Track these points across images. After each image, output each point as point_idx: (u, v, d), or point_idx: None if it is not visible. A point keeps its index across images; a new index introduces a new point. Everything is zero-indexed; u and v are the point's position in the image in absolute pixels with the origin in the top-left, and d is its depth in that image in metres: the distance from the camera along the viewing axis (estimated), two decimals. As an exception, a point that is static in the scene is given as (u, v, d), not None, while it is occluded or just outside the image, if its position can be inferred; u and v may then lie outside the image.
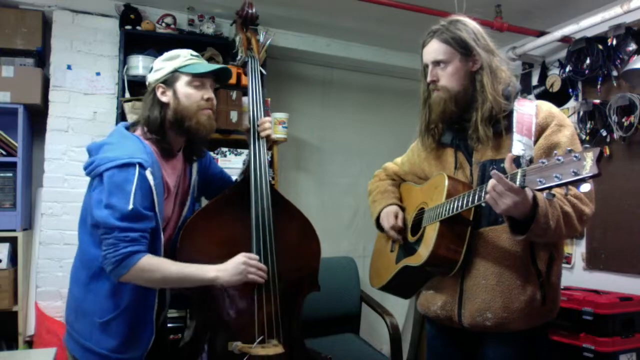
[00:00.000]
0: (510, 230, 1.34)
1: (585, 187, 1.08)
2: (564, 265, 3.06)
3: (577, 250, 3.08)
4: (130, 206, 1.36)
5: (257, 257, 1.56)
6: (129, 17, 2.97)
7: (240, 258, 1.52)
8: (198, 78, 1.55)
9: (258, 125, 1.75)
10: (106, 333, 1.44)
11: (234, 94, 3.07)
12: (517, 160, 1.30)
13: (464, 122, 1.53)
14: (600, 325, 2.42)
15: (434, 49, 1.51)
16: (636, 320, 2.49)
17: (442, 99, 1.51)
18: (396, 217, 1.69)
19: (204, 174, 1.78)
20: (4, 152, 2.75)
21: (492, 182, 1.25)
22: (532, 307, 1.43)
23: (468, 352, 1.59)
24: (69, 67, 2.96)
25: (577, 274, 3.06)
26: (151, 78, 1.58)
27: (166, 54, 1.59)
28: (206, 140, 1.62)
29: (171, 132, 1.55)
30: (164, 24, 3.06)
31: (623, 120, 2.75)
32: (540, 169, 1.14)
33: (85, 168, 1.49)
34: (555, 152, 1.12)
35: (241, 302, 1.60)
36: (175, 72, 1.55)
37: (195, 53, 1.61)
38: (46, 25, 2.96)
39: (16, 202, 2.73)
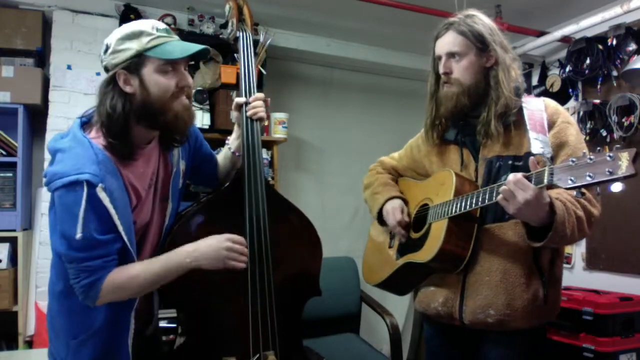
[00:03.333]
0: (527, 237, 1.35)
1: (617, 187, 1.10)
2: (564, 265, 3.07)
3: (577, 250, 3.08)
4: (78, 235, 1.17)
5: (242, 239, 1.38)
6: (129, 17, 2.97)
7: (223, 242, 1.33)
8: (170, 63, 1.27)
9: (248, 104, 1.55)
10: (79, 352, 1.31)
11: (234, 94, 3.07)
12: (525, 157, 1.30)
13: (469, 119, 1.53)
14: (600, 325, 2.42)
15: (449, 41, 1.49)
16: (636, 320, 2.49)
17: (454, 93, 1.49)
18: (402, 212, 1.66)
19: (194, 156, 1.57)
20: (4, 152, 2.75)
21: (507, 180, 1.25)
22: (535, 306, 1.43)
23: (467, 352, 1.59)
24: (69, 67, 2.96)
25: (577, 274, 3.06)
26: (108, 61, 1.26)
27: (125, 30, 1.26)
28: (186, 130, 1.38)
29: (139, 127, 1.30)
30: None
31: (623, 120, 2.75)
32: (569, 168, 1.13)
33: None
34: (584, 152, 1.12)
35: (235, 313, 1.47)
36: (141, 56, 1.25)
37: (161, 26, 1.30)
38: (46, 25, 2.96)
39: (16, 202, 2.73)
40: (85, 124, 1.32)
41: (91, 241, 1.19)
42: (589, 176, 1.09)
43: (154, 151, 1.39)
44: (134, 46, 1.24)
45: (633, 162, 1.04)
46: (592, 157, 1.10)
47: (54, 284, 1.36)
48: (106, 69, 1.29)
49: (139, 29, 1.26)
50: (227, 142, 1.68)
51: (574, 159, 1.13)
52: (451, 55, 1.49)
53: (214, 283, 1.45)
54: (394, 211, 1.66)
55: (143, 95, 1.26)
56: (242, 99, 1.58)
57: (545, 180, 1.19)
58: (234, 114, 1.62)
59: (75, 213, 1.17)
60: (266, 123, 1.59)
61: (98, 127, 1.28)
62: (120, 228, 1.23)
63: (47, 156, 2.78)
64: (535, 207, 1.25)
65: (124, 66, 1.25)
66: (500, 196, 1.27)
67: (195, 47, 1.29)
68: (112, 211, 1.21)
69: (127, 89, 1.26)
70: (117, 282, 1.24)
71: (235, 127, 1.63)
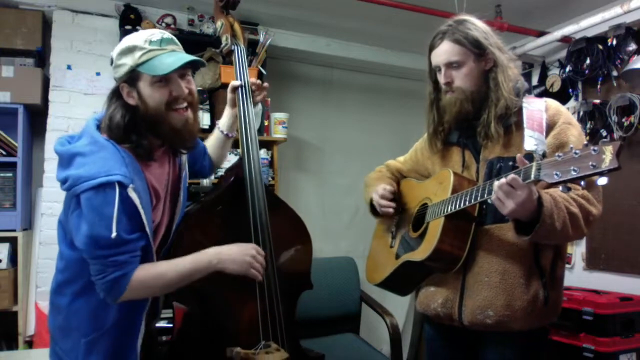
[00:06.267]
0: (515, 231, 1.34)
1: (603, 181, 1.09)
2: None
3: (577, 251, 3.08)
4: (114, 234, 1.19)
5: (263, 253, 1.46)
6: (129, 17, 2.97)
7: (250, 249, 1.41)
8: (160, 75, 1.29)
9: (252, 89, 1.68)
10: (91, 353, 1.33)
11: (234, 94, 3.07)
12: (528, 156, 1.29)
13: (471, 121, 1.52)
14: (600, 325, 2.42)
15: (445, 50, 1.48)
16: (636, 320, 2.49)
17: (457, 99, 1.49)
18: (383, 188, 1.68)
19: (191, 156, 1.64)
20: (4, 152, 2.75)
21: (499, 181, 1.25)
22: (535, 307, 1.43)
23: (467, 354, 1.59)
24: (69, 67, 2.96)
25: (577, 274, 3.06)
26: (114, 74, 1.35)
27: (121, 45, 1.32)
28: (189, 143, 1.42)
29: (149, 135, 1.34)
30: (164, 24, 3.06)
31: (623, 120, 2.75)
32: (556, 163, 1.13)
33: (60, 181, 1.28)
34: (571, 146, 1.12)
35: (240, 303, 1.53)
36: (135, 71, 1.29)
37: (156, 37, 1.31)
38: (46, 25, 2.96)
39: (16, 202, 2.73)
40: (98, 127, 1.35)
41: (120, 240, 1.22)
42: (574, 170, 1.09)
43: (165, 154, 1.44)
44: (128, 62, 1.29)
45: (617, 156, 1.03)
46: (577, 151, 1.10)
47: (68, 284, 1.36)
48: (115, 80, 1.36)
49: (133, 44, 1.30)
50: (217, 124, 1.77)
51: (560, 154, 1.13)
52: (450, 65, 1.48)
53: (224, 280, 1.50)
54: (375, 191, 1.69)
55: (143, 107, 1.31)
56: (237, 82, 1.67)
57: (533, 176, 1.19)
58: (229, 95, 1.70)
59: (106, 214, 1.20)
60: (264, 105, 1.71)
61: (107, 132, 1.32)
62: (147, 227, 1.27)
63: (48, 156, 2.85)
64: (527, 204, 1.24)
65: (124, 80, 1.31)
66: (494, 195, 1.27)
67: (180, 61, 1.29)
68: (141, 211, 1.25)
69: (130, 101, 1.32)
70: (143, 279, 1.27)
71: (227, 109, 1.72)
